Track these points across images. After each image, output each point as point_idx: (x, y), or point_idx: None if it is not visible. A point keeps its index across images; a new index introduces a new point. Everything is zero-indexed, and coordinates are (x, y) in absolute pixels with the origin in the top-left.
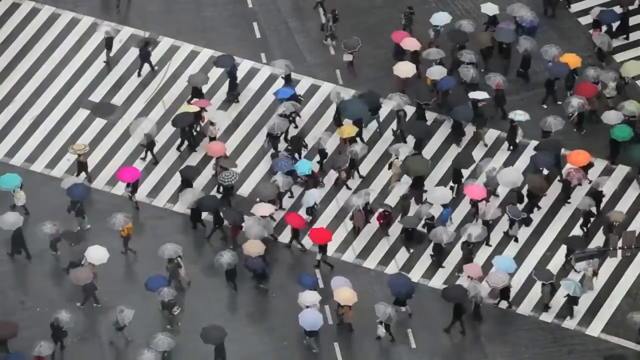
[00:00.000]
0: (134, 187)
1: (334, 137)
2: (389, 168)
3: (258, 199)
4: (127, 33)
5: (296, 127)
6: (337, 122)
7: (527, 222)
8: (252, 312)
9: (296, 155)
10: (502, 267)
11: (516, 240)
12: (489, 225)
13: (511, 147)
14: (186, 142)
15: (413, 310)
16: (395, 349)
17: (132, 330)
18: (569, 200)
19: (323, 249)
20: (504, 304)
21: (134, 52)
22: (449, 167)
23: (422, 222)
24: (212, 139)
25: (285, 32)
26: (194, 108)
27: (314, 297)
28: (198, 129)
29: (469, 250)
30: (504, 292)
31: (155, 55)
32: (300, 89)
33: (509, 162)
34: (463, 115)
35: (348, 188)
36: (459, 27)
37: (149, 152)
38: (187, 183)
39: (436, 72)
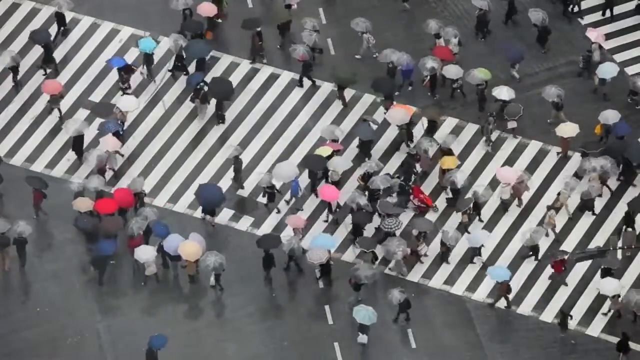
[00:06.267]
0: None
1: (466, 175)
2: (557, 195)
3: (414, 230)
4: (127, 33)
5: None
6: (182, 69)
7: (417, 158)
8: (252, 312)
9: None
10: (320, 243)
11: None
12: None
13: None
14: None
15: (413, 311)
16: (395, 349)
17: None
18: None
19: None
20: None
21: (134, 52)
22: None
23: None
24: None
25: None
26: (327, 150)
27: (148, 254)
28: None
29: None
30: (324, 268)
31: (155, 56)
32: (300, 90)
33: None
34: (638, 157)
35: (467, 231)
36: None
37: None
38: (357, 228)
39: (611, 116)
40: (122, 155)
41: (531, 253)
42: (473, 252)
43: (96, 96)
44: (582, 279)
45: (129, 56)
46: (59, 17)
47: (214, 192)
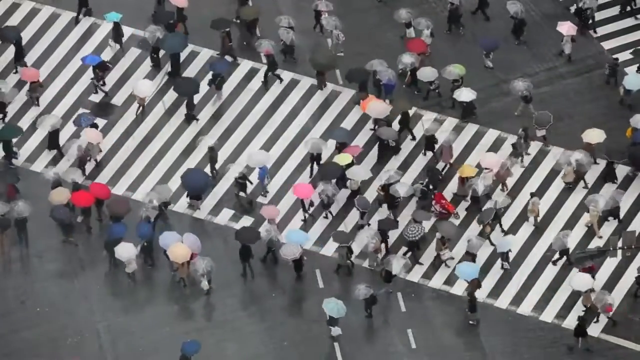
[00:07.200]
0: None
1: (485, 181)
2: (587, 212)
3: (439, 236)
4: (127, 33)
5: (106, 94)
6: (155, 61)
7: (396, 150)
8: (252, 312)
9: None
10: (293, 239)
11: (362, 227)
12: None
13: None
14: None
15: (413, 312)
16: (396, 349)
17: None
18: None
19: (100, 203)
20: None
21: (134, 52)
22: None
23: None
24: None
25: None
26: (347, 158)
27: (129, 252)
28: None
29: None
30: (297, 264)
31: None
32: (300, 89)
33: None
34: None
35: (491, 243)
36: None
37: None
38: (382, 234)
39: None
40: (101, 150)
41: (560, 257)
42: (501, 258)
43: (96, 96)
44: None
45: (130, 56)
46: None
47: (200, 177)
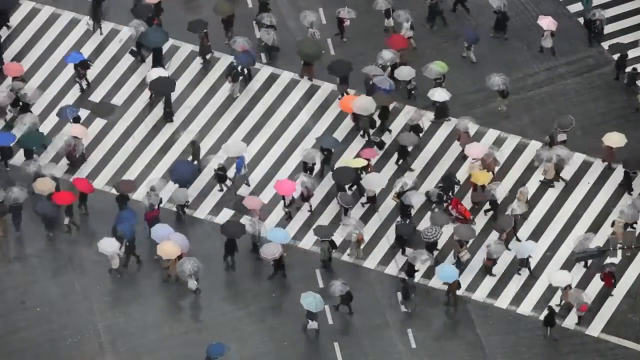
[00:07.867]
0: None
1: (502, 186)
2: (612, 226)
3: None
4: (127, 33)
5: (85, 89)
6: (136, 55)
7: (380, 145)
8: (252, 312)
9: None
10: (274, 238)
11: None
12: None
13: None
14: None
15: (413, 312)
16: (395, 349)
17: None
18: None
19: (84, 197)
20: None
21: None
22: None
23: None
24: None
25: (285, 32)
26: (360, 162)
27: (112, 247)
28: None
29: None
30: (278, 263)
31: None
32: (300, 90)
33: None
34: None
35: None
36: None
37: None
38: (400, 239)
39: None
40: (83, 146)
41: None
42: (520, 263)
43: (96, 96)
44: (581, 279)
45: (130, 56)
46: None
47: (187, 169)
